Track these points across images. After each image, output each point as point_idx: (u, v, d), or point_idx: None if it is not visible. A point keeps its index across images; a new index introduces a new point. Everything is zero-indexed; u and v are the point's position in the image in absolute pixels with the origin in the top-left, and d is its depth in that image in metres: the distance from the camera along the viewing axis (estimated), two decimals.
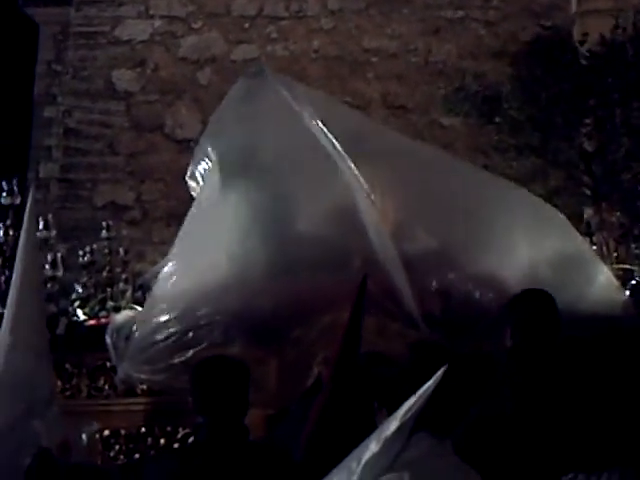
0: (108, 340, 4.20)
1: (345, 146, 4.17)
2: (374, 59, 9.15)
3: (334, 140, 4.17)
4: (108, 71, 9.09)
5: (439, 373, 1.98)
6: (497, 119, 6.57)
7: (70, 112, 9.04)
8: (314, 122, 4.22)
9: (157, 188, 8.92)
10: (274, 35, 9.17)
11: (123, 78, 9.09)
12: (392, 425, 2.04)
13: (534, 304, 3.52)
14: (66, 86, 9.20)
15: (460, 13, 9.22)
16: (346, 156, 4.14)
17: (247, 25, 9.19)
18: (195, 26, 9.20)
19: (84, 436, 3.86)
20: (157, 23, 9.18)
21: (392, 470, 2.06)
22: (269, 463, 2.92)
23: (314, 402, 3.41)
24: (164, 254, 8.31)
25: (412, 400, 2.01)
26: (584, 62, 6.53)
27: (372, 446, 2.05)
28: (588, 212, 6.60)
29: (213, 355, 3.38)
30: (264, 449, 3.09)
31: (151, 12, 9.18)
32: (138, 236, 8.72)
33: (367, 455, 2.04)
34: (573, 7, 8.55)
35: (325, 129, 4.19)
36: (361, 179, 4.12)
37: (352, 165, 4.13)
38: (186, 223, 4.42)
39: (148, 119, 9.04)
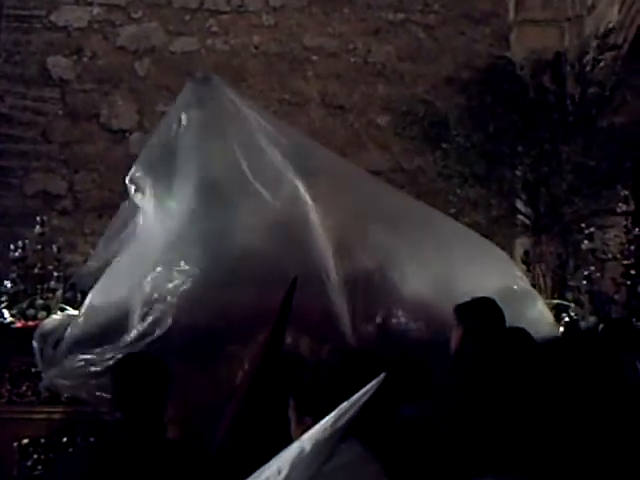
0: (35, 345, 4.10)
1: (291, 160, 4.18)
2: (314, 57, 9.16)
3: (281, 153, 4.17)
4: (43, 57, 8.89)
5: (377, 380, 1.99)
6: (444, 145, 6.63)
7: (2, 97, 8.81)
8: (263, 133, 4.22)
9: (90, 178, 8.77)
10: (214, 29, 9.10)
11: (58, 65, 8.90)
12: (324, 430, 2.03)
13: (484, 309, 3.69)
14: None
15: (400, 16, 9.30)
16: (292, 168, 4.14)
17: (188, 17, 9.10)
18: (135, 16, 9.06)
19: None
20: (95, 10, 9.01)
21: (319, 477, 2.06)
22: (183, 459, 2.94)
23: (232, 398, 3.42)
24: (95, 245, 8.29)
25: (346, 405, 2.01)
26: (532, 95, 6.64)
27: (301, 451, 2.03)
28: (526, 243, 6.73)
29: (134, 353, 3.39)
30: (179, 445, 3.13)
31: None
32: (69, 226, 8.58)
33: (294, 460, 2.02)
34: (511, 15, 8.72)
35: (272, 141, 4.19)
36: (306, 194, 4.13)
37: (297, 179, 4.13)
38: (123, 230, 4.34)
39: (83, 108, 8.88)
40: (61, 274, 5.38)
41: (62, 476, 3.07)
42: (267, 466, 2.09)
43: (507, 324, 3.84)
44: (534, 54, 7.77)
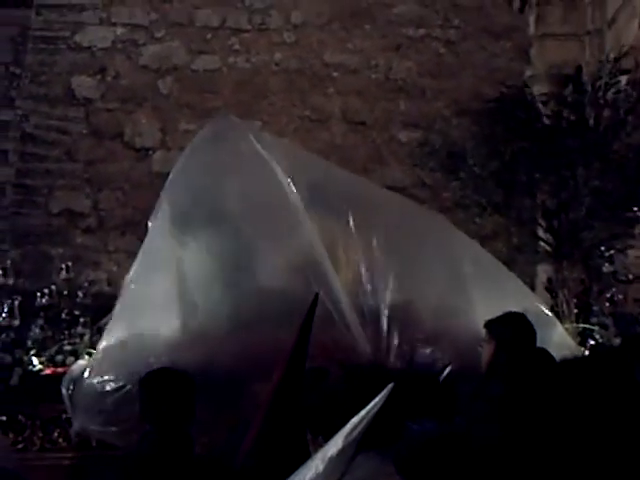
0: (64, 391, 4.11)
1: (308, 198, 4.18)
2: (335, 74, 9.21)
3: (296, 193, 4.18)
4: (67, 77, 9.01)
5: (385, 392, 1.99)
6: (461, 175, 6.63)
7: (27, 117, 8.94)
8: (279, 173, 4.23)
9: (114, 196, 8.85)
10: (236, 47, 9.18)
11: (83, 85, 9.02)
12: (337, 445, 2.03)
13: (516, 324, 3.75)
14: (24, 90, 9.09)
15: (421, 31, 9.33)
16: (307, 209, 4.15)
17: (209, 36, 9.18)
18: (157, 35, 9.17)
19: None
20: (119, 30, 9.12)
21: None
22: (209, 472, 2.97)
23: (258, 412, 3.43)
24: (119, 263, 8.39)
25: (356, 419, 2.01)
26: (547, 122, 6.64)
27: (316, 467, 2.03)
28: (549, 270, 6.71)
29: (161, 367, 3.43)
30: (205, 458, 3.17)
31: (113, 19, 9.13)
32: (94, 244, 8.66)
33: (311, 476, 2.03)
34: (531, 29, 8.70)
35: (289, 181, 4.20)
36: (319, 234, 4.13)
37: (311, 219, 4.14)
38: (137, 269, 4.33)
39: (107, 127, 8.98)
40: (88, 319, 5.41)
41: None
42: None
43: None
44: (554, 68, 7.78)
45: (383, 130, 9.14)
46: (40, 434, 4.70)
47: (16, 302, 5.47)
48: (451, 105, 8.69)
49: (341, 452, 2.02)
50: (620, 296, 5.66)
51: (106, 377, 3.99)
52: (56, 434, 4.69)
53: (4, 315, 5.33)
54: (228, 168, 4.40)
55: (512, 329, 3.85)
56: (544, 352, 3.54)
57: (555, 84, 7.52)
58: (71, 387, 4.10)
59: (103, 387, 3.97)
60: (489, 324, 3.94)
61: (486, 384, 3.67)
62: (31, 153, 8.91)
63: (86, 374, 4.10)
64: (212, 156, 4.43)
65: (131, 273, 4.33)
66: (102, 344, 4.21)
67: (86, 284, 6.28)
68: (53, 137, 8.91)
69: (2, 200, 9.18)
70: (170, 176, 4.48)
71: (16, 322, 5.38)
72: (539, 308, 4.67)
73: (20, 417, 4.70)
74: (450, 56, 9.35)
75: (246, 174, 4.39)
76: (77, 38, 9.09)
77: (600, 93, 6.51)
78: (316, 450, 2.14)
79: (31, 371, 4.91)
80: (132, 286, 4.29)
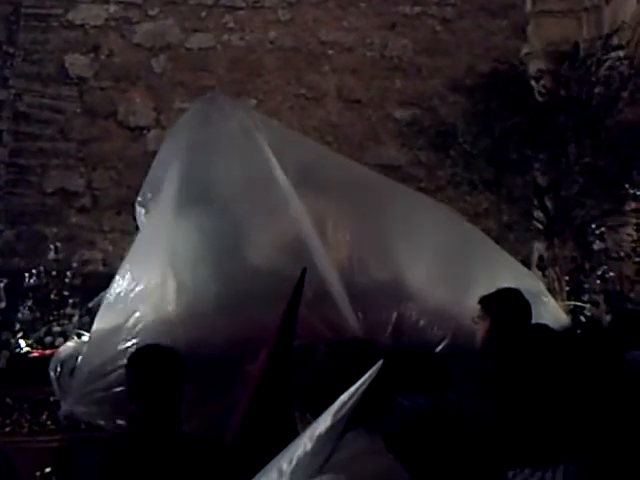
0: (52, 374, 4.09)
1: (297, 178, 4.15)
2: (330, 52, 9.15)
3: (284, 172, 4.15)
4: (60, 55, 8.95)
5: (374, 369, 1.97)
6: (451, 152, 6.59)
7: (21, 96, 8.87)
8: (268, 152, 4.19)
9: (109, 175, 8.82)
10: (230, 25, 9.11)
11: (76, 63, 8.95)
12: (325, 423, 2.01)
13: (511, 300, 3.74)
14: (17, 69, 9.01)
15: (417, 9, 9.26)
16: (293, 190, 4.12)
17: (204, 14, 9.11)
18: (151, 13, 9.09)
19: None
20: (112, 8, 9.05)
21: (326, 470, 2.03)
22: (198, 452, 2.94)
23: (246, 389, 3.42)
24: (115, 242, 8.36)
25: (345, 397, 1.99)
26: (539, 98, 6.59)
27: (304, 445, 2.01)
28: (540, 247, 6.69)
29: (148, 344, 3.37)
30: (195, 438, 3.11)
31: None
32: (88, 224, 8.63)
33: (299, 454, 2.00)
34: (528, 7, 8.64)
35: (278, 160, 4.17)
36: (309, 213, 4.10)
37: (300, 199, 4.11)
38: (133, 250, 4.30)
39: (101, 105, 8.92)
40: (77, 300, 5.37)
41: (80, 471, 3.08)
42: (274, 461, 2.08)
43: None
44: (551, 45, 7.73)
45: (378, 108, 9.09)
46: (28, 417, 4.65)
47: (1, 284, 5.43)
48: (447, 83, 8.64)
49: (330, 430, 1.99)
50: (611, 273, 5.64)
51: (97, 359, 3.97)
52: (44, 417, 4.63)
53: None
54: (216, 147, 4.35)
55: (507, 305, 3.83)
56: (544, 327, 3.52)
57: (552, 61, 7.46)
58: (59, 369, 4.08)
59: (94, 369, 3.95)
60: (484, 300, 3.91)
61: (480, 360, 3.66)
62: (24, 132, 8.85)
63: (78, 356, 4.08)
64: (200, 135, 4.38)
65: (128, 255, 4.31)
66: (94, 327, 4.19)
67: (75, 264, 6.23)
68: (46, 116, 8.86)
69: None
70: (157, 155, 4.44)
71: (2, 304, 5.34)
72: (531, 282, 4.66)
73: (8, 400, 4.65)
74: (446, 34, 9.29)
75: (235, 153, 4.35)
76: (70, 16, 9.01)
77: (592, 69, 6.47)
78: (304, 428, 2.11)
79: (19, 353, 4.87)
80: (127, 266, 4.27)
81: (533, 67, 7.62)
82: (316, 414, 2.05)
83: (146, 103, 8.94)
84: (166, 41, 9.05)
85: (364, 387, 1.95)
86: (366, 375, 1.95)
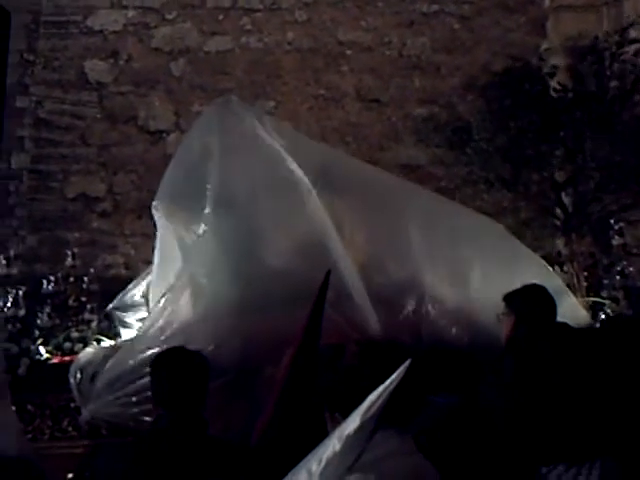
0: (71, 380, 4.10)
1: (315, 180, 4.14)
2: (348, 52, 9.12)
3: (302, 174, 4.14)
4: (80, 61, 8.98)
5: (401, 369, 1.95)
6: (468, 150, 6.56)
7: (41, 102, 8.93)
8: (284, 155, 4.18)
9: (129, 180, 8.84)
10: (248, 27, 9.11)
11: (95, 69, 8.99)
12: (354, 423, 1.99)
13: (536, 297, 3.72)
14: (37, 76, 9.07)
15: (435, 7, 9.22)
16: (313, 190, 4.11)
17: (221, 17, 9.12)
18: (169, 17, 9.11)
19: None
20: (130, 13, 9.08)
21: (355, 470, 2.01)
22: (224, 454, 2.92)
23: (271, 391, 3.40)
24: (135, 246, 8.38)
25: (374, 396, 1.97)
26: (554, 94, 6.55)
27: (333, 445, 1.99)
28: (558, 243, 6.64)
29: (172, 347, 3.37)
30: (221, 441, 3.10)
31: (124, 2, 9.08)
32: (109, 228, 8.66)
33: (328, 455, 1.98)
34: (546, 2, 8.58)
35: (294, 162, 4.15)
36: (327, 214, 4.09)
37: (318, 200, 4.09)
38: (155, 260, 4.31)
39: (121, 110, 8.95)
40: (95, 305, 5.39)
41: (104, 473, 3.08)
42: (303, 462, 2.06)
43: None
44: (570, 41, 7.67)
45: (398, 107, 9.05)
46: (49, 423, 4.67)
47: (20, 292, 5.45)
48: (466, 81, 8.59)
49: (359, 430, 1.98)
50: (631, 269, 5.58)
51: (122, 365, 3.98)
52: (65, 423, 4.66)
53: (9, 305, 5.31)
54: (232, 151, 4.36)
55: (532, 302, 3.81)
56: (565, 326, 3.49)
57: (572, 56, 7.41)
58: (79, 375, 4.09)
59: (121, 376, 3.96)
60: (508, 297, 3.89)
61: (505, 357, 3.63)
62: (46, 139, 8.90)
63: (97, 363, 4.08)
64: (215, 139, 4.38)
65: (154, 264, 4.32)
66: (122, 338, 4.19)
67: (92, 270, 6.23)
68: (67, 122, 8.90)
69: (19, 187, 9.20)
70: (173, 159, 4.45)
71: (22, 312, 5.37)
72: (551, 279, 4.62)
73: (29, 407, 4.67)
74: (464, 32, 9.22)
75: (251, 156, 4.35)
76: (88, 22, 9.05)
77: (607, 63, 6.41)
78: (334, 428, 2.10)
79: (39, 360, 4.88)
80: (147, 272, 4.29)
81: (553, 62, 7.56)
82: (345, 414, 2.04)
83: (166, 107, 8.96)
84: (184, 45, 9.07)
85: (392, 386, 1.94)
86: (394, 374, 1.94)
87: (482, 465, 2.93)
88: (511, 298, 3.87)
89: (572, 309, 4.49)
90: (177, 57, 9.06)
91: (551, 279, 4.61)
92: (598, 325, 4.75)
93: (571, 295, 4.74)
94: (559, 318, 3.88)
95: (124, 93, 8.99)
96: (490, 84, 6.69)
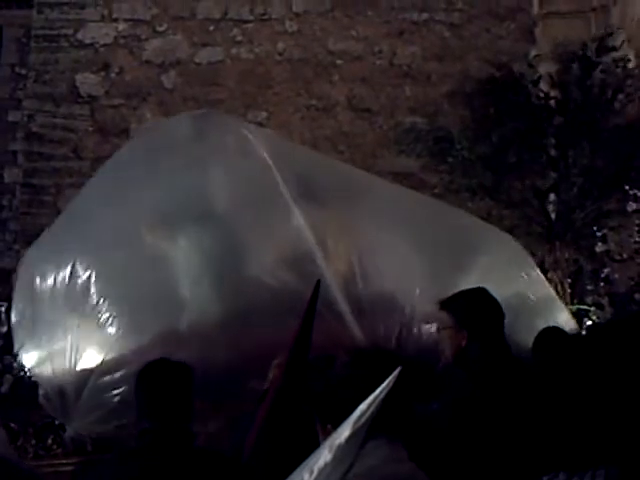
0: (51, 396, 4.07)
1: (298, 190, 4.11)
2: (339, 61, 9.16)
3: (285, 184, 4.11)
4: (71, 74, 9.01)
5: (391, 377, 1.95)
6: (449, 159, 6.57)
7: (33, 116, 8.94)
8: (266, 165, 4.16)
9: None
10: (239, 38, 9.14)
11: (87, 82, 9.01)
12: (345, 432, 1.99)
13: (482, 304, 3.43)
14: (29, 90, 9.09)
15: (425, 15, 9.26)
16: (294, 203, 4.08)
17: (212, 28, 9.15)
18: (159, 29, 9.14)
19: None
20: (121, 26, 9.11)
21: (352, 478, 2.01)
22: (215, 467, 2.90)
23: (262, 403, 3.39)
24: None
25: (364, 405, 1.97)
26: (536, 102, 6.57)
27: (324, 455, 1.99)
28: (541, 251, 6.62)
29: (156, 359, 3.34)
30: (209, 454, 3.06)
31: (114, 15, 9.11)
32: None
33: (319, 465, 1.98)
34: (535, 9, 8.63)
35: (278, 173, 4.13)
36: (308, 226, 4.06)
37: (299, 212, 4.07)
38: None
39: (113, 123, 8.97)
40: None
41: None
42: (294, 473, 2.06)
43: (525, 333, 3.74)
44: (559, 47, 7.70)
45: (389, 116, 9.08)
46: (33, 441, 4.61)
47: (2, 308, 5.41)
48: (455, 89, 8.62)
49: (350, 439, 1.97)
50: (615, 275, 5.58)
51: (108, 377, 3.96)
52: (50, 440, 4.60)
53: None
54: (213, 162, 4.32)
55: (480, 311, 3.25)
56: (561, 332, 3.44)
57: (560, 63, 7.44)
58: (61, 393, 4.04)
59: (107, 386, 3.94)
60: (449, 304, 3.29)
61: (452, 372, 3.40)
62: (38, 152, 8.91)
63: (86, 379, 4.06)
64: (196, 151, 4.35)
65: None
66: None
67: None
68: (59, 135, 8.91)
69: (12, 201, 9.21)
70: (153, 173, 4.41)
71: (3, 329, 5.32)
72: (547, 292, 4.59)
73: (12, 425, 4.60)
74: (455, 39, 9.27)
75: (233, 168, 4.32)
76: (79, 35, 9.08)
77: (588, 72, 6.45)
78: (326, 439, 2.09)
79: (22, 377, 4.83)
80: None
81: (542, 69, 7.60)
82: (337, 424, 2.03)
83: (157, 119, 8.95)
84: (175, 56, 9.10)
85: (383, 395, 1.93)
86: (384, 383, 1.94)
87: (476, 473, 2.92)
88: (452, 305, 3.29)
89: (566, 323, 4.46)
90: (168, 69, 9.09)
91: (547, 292, 4.58)
92: (584, 332, 4.72)
93: (565, 309, 4.69)
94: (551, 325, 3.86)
95: (116, 106, 9.01)
96: (476, 92, 6.70)
